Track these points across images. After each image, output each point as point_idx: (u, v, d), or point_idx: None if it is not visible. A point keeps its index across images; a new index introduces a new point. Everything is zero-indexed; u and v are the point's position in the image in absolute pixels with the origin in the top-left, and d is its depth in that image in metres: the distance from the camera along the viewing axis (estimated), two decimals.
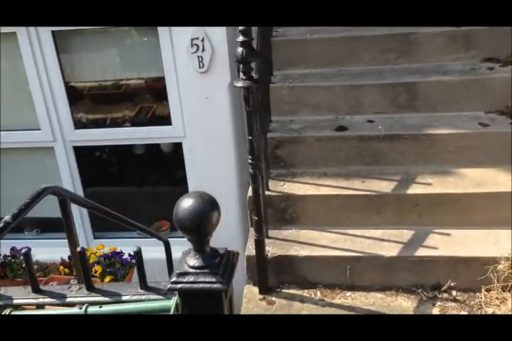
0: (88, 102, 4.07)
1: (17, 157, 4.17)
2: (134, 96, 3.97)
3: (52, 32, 3.68)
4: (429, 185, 2.40)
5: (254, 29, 2.25)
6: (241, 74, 1.98)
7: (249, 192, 2.34)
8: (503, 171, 2.44)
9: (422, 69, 2.75)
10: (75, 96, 3.93)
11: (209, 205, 1.03)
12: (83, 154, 4.04)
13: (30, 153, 4.17)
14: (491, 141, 2.48)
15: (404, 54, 2.81)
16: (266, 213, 2.34)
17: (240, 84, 1.97)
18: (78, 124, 3.95)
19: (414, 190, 2.39)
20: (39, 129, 3.97)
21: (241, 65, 1.97)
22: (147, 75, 3.86)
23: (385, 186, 2.42)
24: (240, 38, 1.93)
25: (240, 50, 1.93)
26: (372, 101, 2.69)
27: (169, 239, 3.08)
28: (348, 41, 2.84)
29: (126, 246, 3.18)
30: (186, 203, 1.03)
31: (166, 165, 4.09)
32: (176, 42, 3.28)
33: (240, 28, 1.92)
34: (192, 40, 3.11)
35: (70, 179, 3.98)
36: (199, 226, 1.02)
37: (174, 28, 3.28)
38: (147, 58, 3.71)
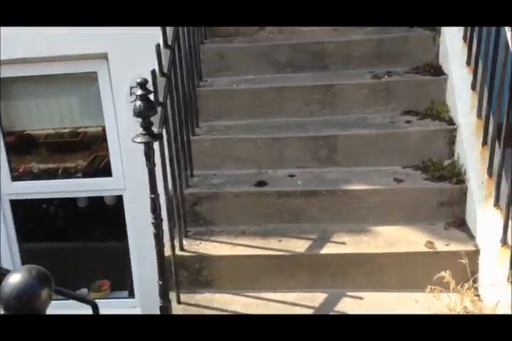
0: (42, 151, 3.98)
1: None
2: (90, 145, 3.89)
3: None
4: (343, 245, 2.41)
5: (162, 82, 2.23)
6: (141, 129, 1.97)
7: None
8: (417, 229, 2.46)
9: (344, 121, 2.77)
10: (21, 145, 3.85)
11: (38, 281, 0.99)
12: (21, 207, 3.86)
13: None
14: (404, 198, 2.50)
15: (328, 106, 2.83)
16: (178, 275, 2.32)
17: (138, 139, 1.97)
18: (25, 175, 3.83)
19: (328, 249, 2.40)
20: None
21: (140, 120, 1.96)
22: (95, 124, 3.80)
23: (301, 245, 2.43)
24: (138, 92, 1.92)
25: (137, 103, 1.92)
26: (294, 154, 2.70)
27: (109, 300, 3.01)
28: (274, 92, 2.85)
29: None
30: (12, 280, 0.98)
31: (109, 220, 3.97)
32: (115, 89, 3.27)
33: (138, 80, 1.91)
34: (131, 88, 3.09)
35: (4, 233, 3.80)
36: (26, 304, 0.96)
37: (114, 75, 3.28)
38: (91, 106, 3.67)
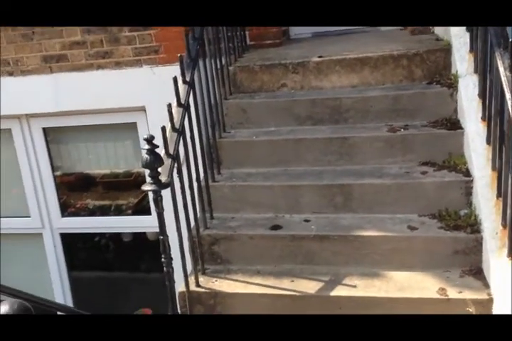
0: (99, 189, 4.37)
1: (9, 242, 4.42)
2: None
3: (43, 129, 4.05)
4: (353, 287, 2.42)
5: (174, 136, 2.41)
6: (148, 179, 2.15)
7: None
8: (431, 276, 2.44)
9: (360, 171, 2.86)
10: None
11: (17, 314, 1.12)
12: (70, 240, 4.29)
13: (20, 238, 4.42)
14: (418, 245, 2.50)
15: (345, 156, 2.94)
16: (193, 310, 2.39)
17: (146, 187, 2.15)
18: (80, 210, 4.24)
19: (338, 291, 2.41)
20: (29, 216, 4.24)
21: (148, 170, 2.14)
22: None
23: (312, 286, 2.46)
24: (146, 146, 2.12)
25: (145, 157, 2.12)
26: (310, 201, 2.80)
27: None
28: (293, 143, 3.01)
29: None
30: None
31: (151, 253, 4.26)
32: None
33: (145, 136, 2.12)
34: None
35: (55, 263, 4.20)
36: None
37: (151, 125, 3.60)
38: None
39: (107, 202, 4.28)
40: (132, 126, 3.74)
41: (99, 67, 3.61)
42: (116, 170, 4.20)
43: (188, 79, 2.52)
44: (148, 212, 3.90)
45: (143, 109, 3.63)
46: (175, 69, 3.46)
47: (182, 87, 2.49)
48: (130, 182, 4.12)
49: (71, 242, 4.31)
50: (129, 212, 4.24)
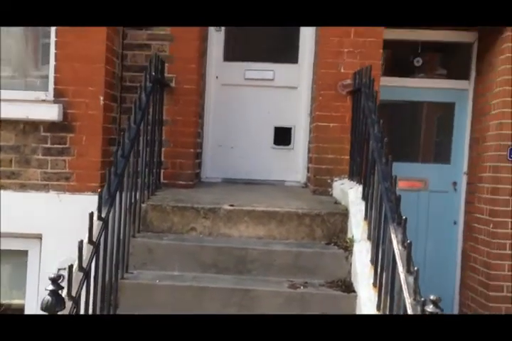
0: None
1: None
2: None
3: None
4: None
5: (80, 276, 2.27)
6: None
7: None
8: None
9: None
10: None
11: None
12: None
13: None
14: None
15: (245, 309, 2.92)
16: None
17: None
18: None
19: None
20: None
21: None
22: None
23: None
24: (49, 287, 1.97)
25: (46, 298, 1.95)
26: None
27: None
28: (195, 291, 2.95)
29: None
30: None
31: None
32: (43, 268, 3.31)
33: (51, 275, 1.99)
34: (58, 269, 3.14)
35: None
36: None
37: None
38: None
39: None
40: (23, 255, 3.46)
41: (2, 186, 3.44)
42: None
43: (103, 215, 2.47)
44: None
45: (39, 237, 3.42)
46: (83, 199, 3.43)
47: (96, 224, 2.42)
48: None
49: None
50: None
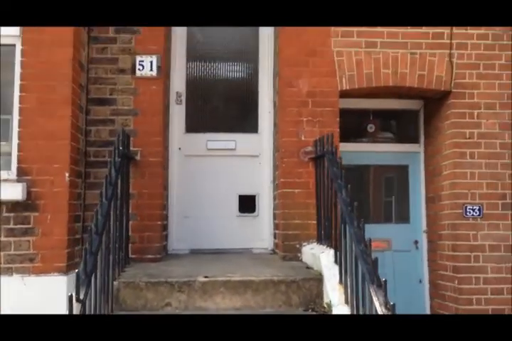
0: None
1: None
2: None
3: None
4: None
5: None
6: None
7: None
8: None
9: None
10: None
11: None
12: None
13: None
14: None
15: None
16: None
17: None
18: None
19: None
20: None
21: None
22: None
23: None
24: None
25: None
26: None
27: None
28: None
29: None
30: None
31: None
32: None
33: None
34: None
35: None
36: None
37: None
38: None
39: None
40: None
41: None
42: None
43: (82, 297, 2.37)
44: None
45: None
46: (49, 281, 3.28)
47: (75, 306, 2.32)
48: None
49: None
50: None
